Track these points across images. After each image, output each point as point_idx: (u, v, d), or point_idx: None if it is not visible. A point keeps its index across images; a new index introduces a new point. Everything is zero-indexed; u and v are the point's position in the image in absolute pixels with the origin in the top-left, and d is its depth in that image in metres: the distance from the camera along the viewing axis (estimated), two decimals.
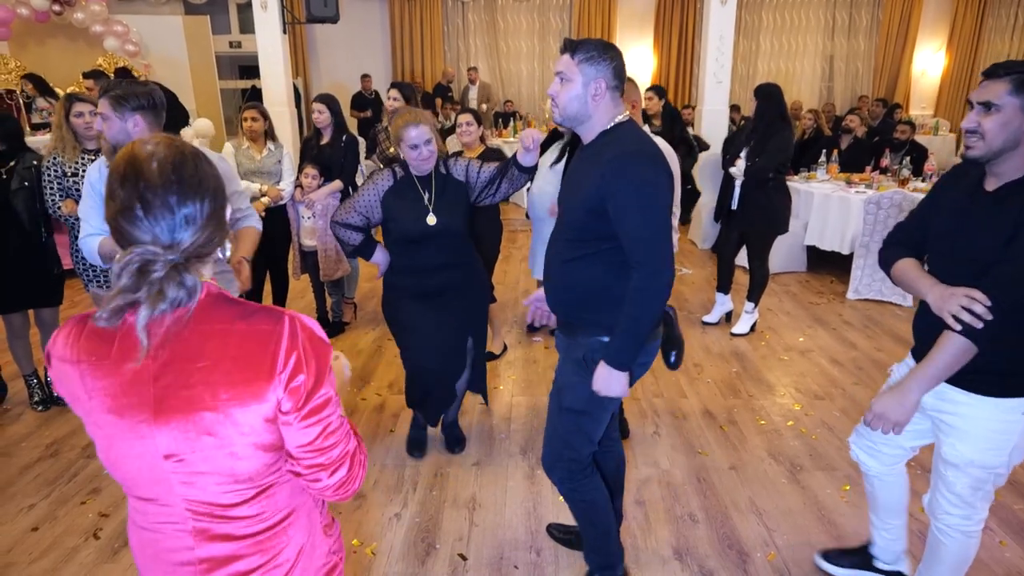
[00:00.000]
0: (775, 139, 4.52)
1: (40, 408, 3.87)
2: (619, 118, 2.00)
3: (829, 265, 6.41)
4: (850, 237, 5.83)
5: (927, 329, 1.93)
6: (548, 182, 4.37)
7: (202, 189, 1.10)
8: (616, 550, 2.44)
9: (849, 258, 5.88)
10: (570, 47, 1.96)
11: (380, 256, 3.08)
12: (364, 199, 2.96)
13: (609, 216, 1.92)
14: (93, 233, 2.61)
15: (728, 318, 5.17)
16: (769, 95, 4.58)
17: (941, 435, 2.02)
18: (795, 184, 6.63)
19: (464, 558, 2.67)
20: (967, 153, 1.82)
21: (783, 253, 6.40)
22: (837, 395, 4.02)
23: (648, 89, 5.92)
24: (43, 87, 8.43)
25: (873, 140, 7.65)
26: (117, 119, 2.42)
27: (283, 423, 1.14)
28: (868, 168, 6.66)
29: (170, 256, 1.05)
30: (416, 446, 3.40)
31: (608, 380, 2.00)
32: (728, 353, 4.64)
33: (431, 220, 2.87)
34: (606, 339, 2.03)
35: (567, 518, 2.87)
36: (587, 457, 2.24)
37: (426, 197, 2.91)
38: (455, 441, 3.45)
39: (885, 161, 6.68)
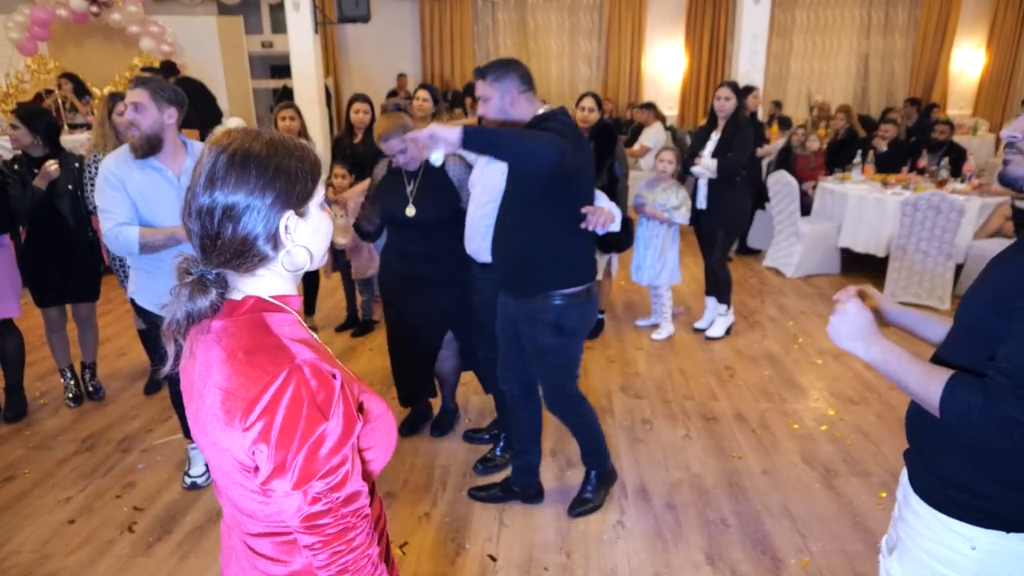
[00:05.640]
0: (740, 135, 4.51)
1: (72, 405, 3.92)
2: (542, 110, 2.49)
3: (864, 267, 6.29)
4: (886, 239, 5.71)
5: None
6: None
7: (251, 196, 0.99)
8: (606, 452, 2.96)
9: (884, 260, 5.76)
10: (480, 73, 2.45)
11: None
12: (371, 185, 3.40)
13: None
14: (124, 223, 2.61)
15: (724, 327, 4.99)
16: (740, 92, 4.60)
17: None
18: (828, 185, 6.53)
19: (494, 559, 2.66)
20: (1005, 171, 1.31)
21: (816, 255, 6.32)
22: (872, 400, 3.94)
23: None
24: (80, 88, 8.56)
25: (910, 140, 7.50)
26: (155, 110, 2.56)
27: (264, 486, 1.01)
28: (905, 169, 6.53)
29: (195, 268, 1.02)
30: (406, 424, 3.60)
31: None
32: (760, 356, 4.58)
33: (410, 211, 3.10)
34: (559, 300, 2.52)
35: (596, 522, 2.87)
36: (576, 387, 2.78)
37: (409, 188, 3.13)
38: (436, 426, 3.61)
39: (922, 162, 6.55)
